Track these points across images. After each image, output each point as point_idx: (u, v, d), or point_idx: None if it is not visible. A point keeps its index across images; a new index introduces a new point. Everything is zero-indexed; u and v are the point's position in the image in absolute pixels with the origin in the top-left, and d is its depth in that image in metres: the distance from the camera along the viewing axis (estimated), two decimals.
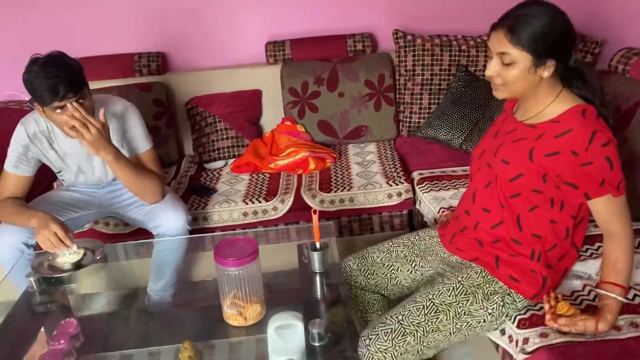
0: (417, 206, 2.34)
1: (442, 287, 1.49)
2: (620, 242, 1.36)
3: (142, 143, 2.06)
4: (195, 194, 2.41)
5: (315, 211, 1.64)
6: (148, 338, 1.72)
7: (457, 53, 2.76)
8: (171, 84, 2.80)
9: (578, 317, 1.37)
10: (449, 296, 1.46)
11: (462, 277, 1.50)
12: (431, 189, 2.25)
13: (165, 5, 2.81)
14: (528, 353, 1.39)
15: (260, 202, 2.31)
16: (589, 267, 1.66)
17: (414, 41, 2.77)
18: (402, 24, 2.91)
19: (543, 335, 1.40)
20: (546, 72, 1.32)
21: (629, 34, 2.29)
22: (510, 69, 1.33)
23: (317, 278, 1.66)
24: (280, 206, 2.30)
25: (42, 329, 1.75)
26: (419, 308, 1.46)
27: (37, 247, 1.91)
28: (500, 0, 2.83)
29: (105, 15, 2.80)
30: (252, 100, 2.84)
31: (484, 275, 1.50)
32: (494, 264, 1.50)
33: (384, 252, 1.71)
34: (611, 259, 1.38)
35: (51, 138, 1.98)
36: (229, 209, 2.29)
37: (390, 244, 1.73)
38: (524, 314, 1.49)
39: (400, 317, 1.45)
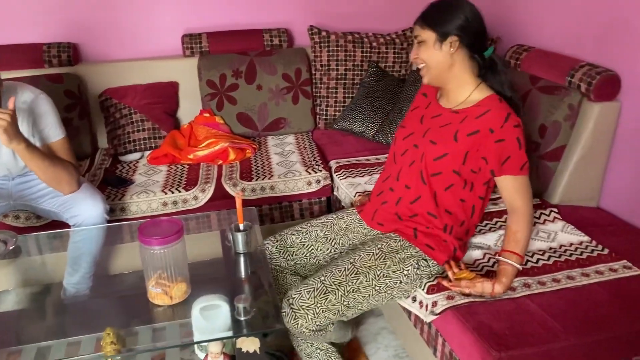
0: (335, 192, 2.45)
1: (363, 252, 1.61)
2: (522, 216, 1.56)
3: (54, 132, 2.01)
4: (110, 185, 2.36)
5: (238, 193, 1.69)
6: (66, 329, 1.68)
7: (368, 49, 2.91)
8: (84, 76, 2.72)
9: (477, 279, 1.54)
10: (369, 260, 1.59)
11: (382, 244, 1.64)
12: (347, 176, 2.37)
13: None
14: (436, 314, 1.52)
15: (180, 191, 2.31)
16: (488, 239, 1.85)
17: (328, 37, 2.89)
18: (316, 21, 3.02)
19: (449, 297, 1.55)
20: (451, 47, 1.52)
21: (519, 31, 2.53)
22: (422, 48, 1.56)
23: (242, 259, 1.70)
24: (201, 195, 2.32)
25: None
26: (341, 270, 1.56)
27: None
28: (407, 2, 3.07)
29: (11, 2, 2.67)
30: (168, 92, 2.82)
31: (402, 242, 1.65)
32: (412, 234, 1.65)
33: (302, 233, 1.79)
34: (512, 230, 1.57)
35: None
36: (147, 199, 2.28)
37: (309, 224, 1.82)
38: (432, 281, 1.63)
39: (322, 278, 1.55)
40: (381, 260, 1.59)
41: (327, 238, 1.78)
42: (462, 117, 1.57)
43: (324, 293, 1.52)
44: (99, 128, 2.77)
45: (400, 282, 1.60)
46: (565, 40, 2.28)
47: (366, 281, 1.56)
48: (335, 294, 1.53)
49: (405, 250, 1.62)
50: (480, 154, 1.54)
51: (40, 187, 2.07)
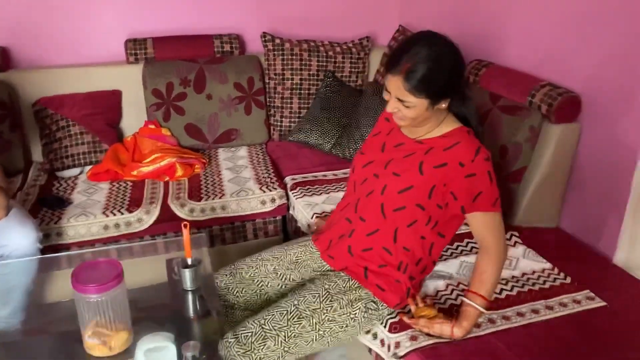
0: (290, 211, 2.34)
1: (308, 294, 1.50)
2: (491, 255, 1.46)
3: None
4: (46, 206, 2.16)
5: (185, 225, 1.55)
6: None
7: (324, 59, 2.80)
8: (15, 83, 2.49)
9: (436, 320, 1.46)
10: (314, 302, 1.47)
11: (329, 285, 1.52)
12: (304, 194, 2.26)
13: None
14: (400, 357, 1.44)
15: (122, 213, 2.14)
16: (449, 267, 1.78)
17: (282, 45, 2.76)
18: (270, 27, 2.88)
19: (413, 338, 1.47)
20: (443, 105, 1.41)
21: (479, 45, 2.49)
22: (409, 110, 1.40)
23: (189, 296, 1.57)
24: (146, 217, 2.16)
25: None
26: (283, 313, 1.45)
27: None
28: (360, 9, 2.99)
29: None
30: (110, 102, 2.63)
31: (350, 283, 1.54)
32: (362, 274, 1.54)
33: (252, 268, 1.67)
34: (479, 270, 1.47)
35: None
36: (86, 222, 2.09)
37: (260, 257, 1.70)
38: (394, 317, 1.54)
39: (262, 322, 1.43)
40: (327, 303, 1.48)
41: (277, 273, 1.66)
42: (427, 147, 1.47)
43: (263, 339, 1.41)
44: (33, 140, 2.54)
45: (347, 327, 1.49)
46: (525, 57, 2.24)
47: (309, 326, 1.45)
48: (274, 340, 1.41)
49: (353, 292, 1.51)
50: (448, 188, 1.44)
51: None
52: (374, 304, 1.52)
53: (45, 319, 2.04)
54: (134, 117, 2.67)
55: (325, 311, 1.47)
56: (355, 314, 1.49)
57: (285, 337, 1.42)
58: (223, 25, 2.84)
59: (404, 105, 1.39)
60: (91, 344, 1.34)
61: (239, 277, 1.65)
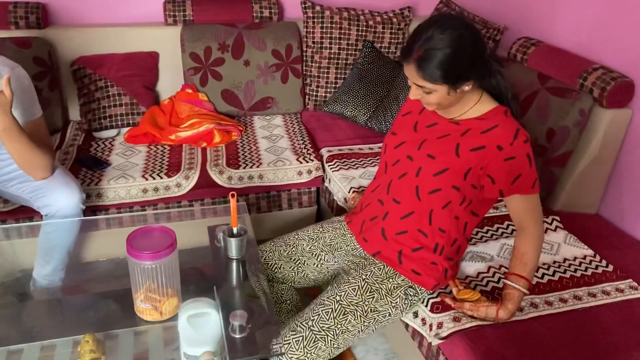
0: (326, 184, 2.33)
1: (348, 287, 1.49)
2: (530, 237, 1.44)
3: (32, 110, 1.81)
4: (86, 167, 2.18)
5: (233, 194, 1.55)
6: (40, 330, 1.55)
7: (364, 28, 2.74)
8: (54, 41, 2.47)
9: (481, 303, 1.46)
10: (355, 296, 1.47)
11: (366, 274, 1.52)
12: (340, 167, 2.25)
13: None
14: (443, 338, 1.45)
15: (161, 177, 2.15)
16: (490, 248, 1.78)
17: (322, 12, 2.71)
18: None
19: (456, 319, 1.47)
20: (466, 88, 1.35)
21: (528, 22, 2.42)
22: (430, 95, 1.36)
23: (234, 265, 1.58)
24: (185, 183, 2.17)
25: None
26: (328, 312, 1.45)
27: None
28: None
29: None
30: (147, 64, 2.61)
31: (386, 270, 1.53)
32: (396, 259, 1.53)
33: (290, 246, 1.67)
34: (520, 252, 1.46)
35: None
36: (126, 185, 2.11)
37: (296, 237, 1.70)
38: (436, 297, 1.55)
39: (310, 323, 1.44)
40: (368, 295, 1.48)
41: (312, 253, 1.66)
42: (464, 129, 1.43)
43: (314, 341, 1.41)
44: (71, 99, 2.55)
45: (389, 315, 1.50)
46: (575, 36, 2.17)
47: (354, 320, 1.46)
48: (324, 340, 1.42)
49: (390, 280, 1.51)
50: (485, 171, 1.40)
51: (9, 170, 1.88)
52: (412, 290, 1.52)
53: (82, 276, 2.09)
54: (170, 80, 2.65)
55: (367, 303, 1.47)
56: (396, 302, 1.50)
57: (334, 335, 1.43)
58: None
59: (424, 92, 1.36)
60: (143, 308, 1.37)
61: (277, 254, 1.66)
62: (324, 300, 1.48)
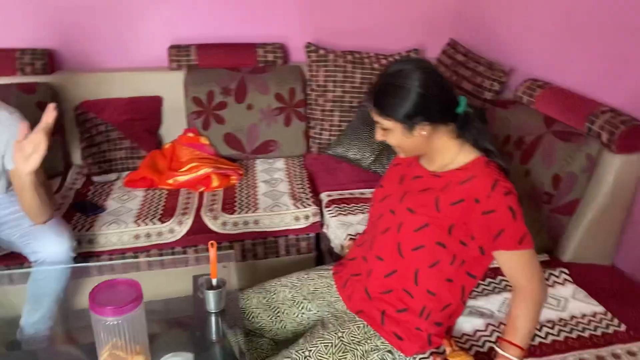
0: (324, 229, 2.25)
1: (320, 343, 1.38)
2: (524, 297, 1.32)
3: None
4: (81, 211, 2.16)
5: (212, 244, 1.49)
6: None
7: (369, 71, 2.71)
8: (59, 86, 2.51)
9: None
10: (326, 354, 1.37)
11: (343, 332, 1.41)
12: (339, 213, 2.17)
13: None
14: None
15: (154, 223, 2.11)
16: (491, 303, 1.65)
17: (326, 56, 2.69)
18: (315, 37, 2.82)
19: None
20: (424, 131, 1.30)
21: (535, 63, 2.34)
22: (389, 135, 1.34)
23: (212, 318, 1.51)
24: (178, 228, 2.12)
25: None
26: None
27: None
28: (410, 20, 2.88)
29: None
30: (151, 108, 2.62)
31: (366, 330, 1.42)
32: (379, 319, 1.42)
33: (270, 293, 1.58)
34: (513, 315, 1.33)
35: None
36: (118, 230, 2.07)
37: (279, 283, 1.62)
38: (427, 357, 1.43)
39: None
40: (340, 354, 1.37)
41: (294, 301, 1.56)
42: (445, 182, 1.34)
43: None
44: (73, 144, 2.56)
45: None
46: (586, 78, 2.07)
47: None
48: None
49: (368, 341, 1.39)
50: (467, 227, 1.30)
51: (3, 214, 1.87)
52: (390, 354, 1.40)
53: (72, 326, 2.04)
54: (173, 124, 2.65)
55: None
56: None
57: None
58: (267, 33, 2.80)
59: (382, 128, 1.34)
60: None
61: (255, 302, 1.57)
62: (291, 354, 1.38)
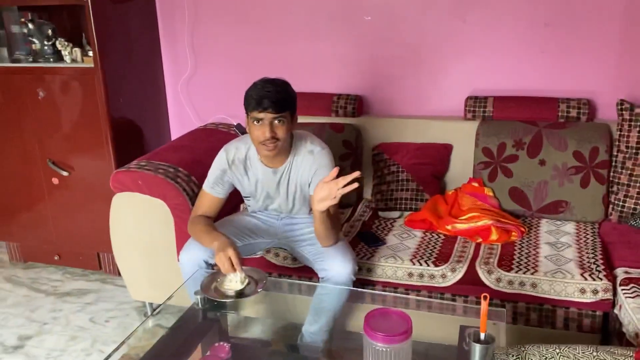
0: (615, 310, 1.95)
1: None
2: None
3: None
4: (364, 241, 2.35)
5: (485, 296, 1.44)
6: None
7: None
8: (362, 127, 2.81)
9: None
10: None
11: None
12: (638, 295, 1.86)
13: (371, 49, 2.85)
14: None
15: (428, 265, 2.15)
16: None
17: None
18: (629, 93, 2.52)
19: None
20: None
21: None
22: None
23: None
24: (450, 275, 2.12)
25: (199, 346, 1.84)
26: None
27: (214, 266, 2.03)
28: None
29: (317, 54, 2.94)
30: (440, 154, 2.70)
31: None
32: None
33: (543, 357, 1.44)
34: None
35: (247, 165, 2.09)
36: (394, 265, 2.18)
37: (558, 351, 1.46)
38: None
39: None
40: None
41: None
42: None
43: None
44: (367, 180, 2.81)
45: None
46: None
47: None
48: None
49: None
50: None
51: (303, 232, 2.17)
52: None
53: (341, 345, 2.22)
54: (460, 172, 2.68)
55: None
56: None
57: None
58: (572, 88, 2.62)
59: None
60: None
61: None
62: None
